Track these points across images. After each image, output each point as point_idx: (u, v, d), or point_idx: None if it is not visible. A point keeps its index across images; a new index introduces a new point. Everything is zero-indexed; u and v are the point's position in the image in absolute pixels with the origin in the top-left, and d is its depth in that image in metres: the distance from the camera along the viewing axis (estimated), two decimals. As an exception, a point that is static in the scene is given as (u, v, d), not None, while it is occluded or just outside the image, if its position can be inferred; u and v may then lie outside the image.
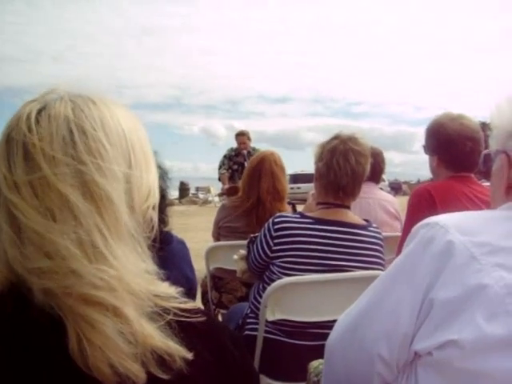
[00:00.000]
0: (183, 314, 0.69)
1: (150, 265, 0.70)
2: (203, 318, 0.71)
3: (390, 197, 3.25)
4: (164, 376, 0.63)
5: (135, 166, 0.71)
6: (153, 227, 0.75)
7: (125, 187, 0.69)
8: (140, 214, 0.72)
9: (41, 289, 0.61)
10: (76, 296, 0.60)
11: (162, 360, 0.63)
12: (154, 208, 0.75)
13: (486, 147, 1.64)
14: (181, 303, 0.70)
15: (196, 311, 0.71)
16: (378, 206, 3.01)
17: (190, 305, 0.71)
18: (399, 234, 2.68)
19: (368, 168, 1.97)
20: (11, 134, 0.66)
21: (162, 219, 1.56)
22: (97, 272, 0.62)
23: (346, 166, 1.89)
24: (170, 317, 0.67)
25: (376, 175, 3.02)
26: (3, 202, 0.64)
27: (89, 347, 0.59)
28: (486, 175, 1.10)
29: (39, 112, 0.67)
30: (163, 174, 1.57)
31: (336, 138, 1.94)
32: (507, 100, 0.99)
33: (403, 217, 2.65)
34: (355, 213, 2.04)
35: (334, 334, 1.02)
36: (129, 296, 0.64)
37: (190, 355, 0.65)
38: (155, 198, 0.76)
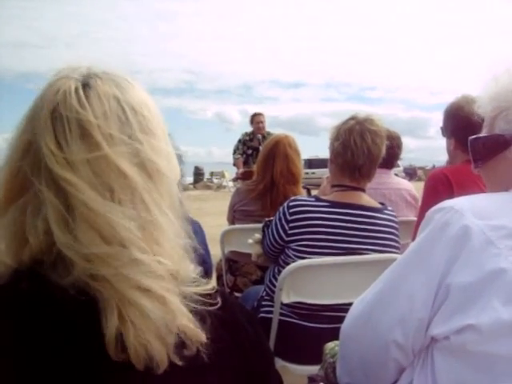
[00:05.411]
0: (201, 298, 0.69)
1: (183, 239, 0.70)
2: (219, 300, 0.72)
3: (406, 183, 3.21)
4: (180, 362, 0.63)
5: (168, 142, 0.73)
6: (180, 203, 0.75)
7: (167, 162, 0.70)
8: None
9: (88, 273, 0.60)
10: (132, 283, 0.60)
11: (182, 344, 0.64)
12: (178, 184, 0.76)
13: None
14: (198, 286, 0.70)
15: (213, 294, 0.72)
16: (394, 195, 2.98)
17: (208, 288, 0.71)
18: (414, 218, 2.66)
19: (383, 150, 1.95)
20: (58, 110, 0.64)
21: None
22: (153, 259, 0.62)
23: (362, 146, 1.87)
24: (193, 304, 0.67)
25: (390, 160, 2.95)
26: (52, 179, 0.61)
27: (132, 329, 0.59)
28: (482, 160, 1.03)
29: (84, 88, 0.65)
30: (178, 156, 1.57)
31: (352, 118, 1.93)
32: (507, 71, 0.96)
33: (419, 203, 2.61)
34: None
35: (348, 319, 1.01)
36: (173, 281, 0.65)
37: (206, 338, 0.65)
38: (178, 174, 0.76)
